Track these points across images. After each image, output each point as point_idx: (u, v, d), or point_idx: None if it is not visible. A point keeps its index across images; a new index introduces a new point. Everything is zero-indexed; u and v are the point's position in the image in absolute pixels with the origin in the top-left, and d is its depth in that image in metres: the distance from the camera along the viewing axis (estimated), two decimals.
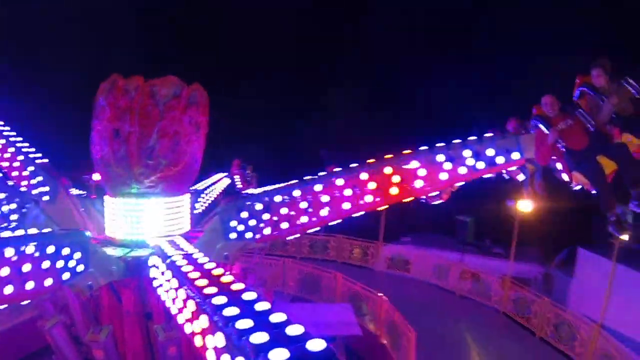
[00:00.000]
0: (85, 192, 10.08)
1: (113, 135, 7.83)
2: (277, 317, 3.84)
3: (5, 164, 9.47)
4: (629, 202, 5.94)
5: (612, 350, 14.32)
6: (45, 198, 8.80)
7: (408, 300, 17.72)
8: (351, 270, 21.15)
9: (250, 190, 13.57)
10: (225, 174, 15.82)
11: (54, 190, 8.88)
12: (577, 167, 6.01)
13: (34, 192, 8.97)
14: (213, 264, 5.27)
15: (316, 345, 3.31)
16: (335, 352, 3.32)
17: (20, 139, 9.75)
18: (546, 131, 6.15)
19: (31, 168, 9.23)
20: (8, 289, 5.67)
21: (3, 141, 9.59)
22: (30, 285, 5.91)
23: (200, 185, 11.96)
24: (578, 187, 6.25)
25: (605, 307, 16.20)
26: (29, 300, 6.92)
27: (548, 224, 23.52)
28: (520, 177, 9.60)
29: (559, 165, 6.31)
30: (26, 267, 5.88)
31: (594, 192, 6.03)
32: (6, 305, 6.62)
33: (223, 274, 4.87)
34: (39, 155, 9.62)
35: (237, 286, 4.52)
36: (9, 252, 5.69)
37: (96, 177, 13.74)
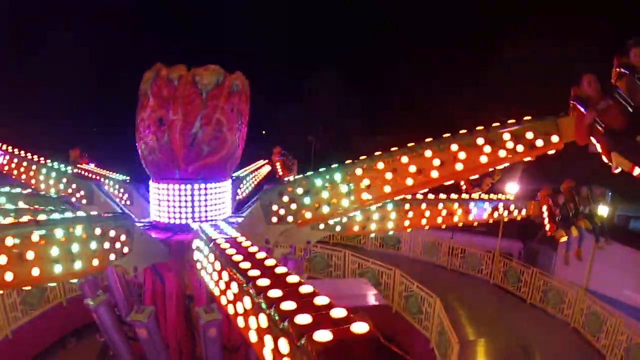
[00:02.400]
0: (129, 178, 10.37)
1: (157, 123, 8.02)
2: (320, 300, 3.89)
3: (39, 183, 9.98)
4: None
5: (597, 308, 16.39)
6: (84, 201, 9.20)
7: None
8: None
9: (291, 177, 13.72)
10: (267, 161, 16.05)
11: (89, 192, 9.32)
12: (616, 148, 5.89)
13: (73, 199, 9.41)
14: (256, 248, 5.36)
15: (360, 327, 3.35)
16: (379, 336, 3.35)
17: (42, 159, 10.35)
18: (584, 112, 6.07)
19: (64, 180, 9.74)
20: (57, 268, 5.90)
21: (34, 167, 10.10)
22: (78, 265, 6.13)
23: (242, 172, 12.14)
24: (618, 170, 6.12)
25: (588, 273, 18.12)
26: (76, 280, 7.20)
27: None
28: (563, 239, 9.93)
29: (598, 147, 6.20)
30: (75, 248, 6.10)
31: (635, 173, 5.89)
32: (56, 284, 6.89)
33: (266, 257, 4.95)
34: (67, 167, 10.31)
35: (281, 269, 4.60)
36: (59, 233, 5.91)
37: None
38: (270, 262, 4.80)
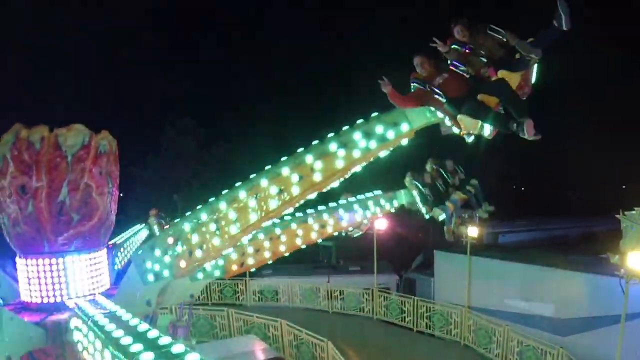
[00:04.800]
0: None
1: (19, 191, 7.43)
2: None
3: None
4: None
5: (483, 322, 17.62)
6: None
7: None
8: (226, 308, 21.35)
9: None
10: (143, 225, 15.34)
11: None
12: (460, 111, 6.24)
13: None
14: (137, 320, 5.07)
15: None
16: None
17: None
18: (425, 88, 6.38)
19: None
20: None
21: None
22: None
23: (119, 239, 11.47)
24: (471, 138, 6.44)
25: (468, 291, 19.69)
26: None
27: (395, 239, 27.10)
28: (441, 216, 10.15)
29: (447, 121, 6.44)
30: None
31: (486, 133, 6.25)
32: None
33: (149, 330, 4.70)
34: None
35: (164, 340, 4.38)
36: None
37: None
38: (153, 334, 4.56)
